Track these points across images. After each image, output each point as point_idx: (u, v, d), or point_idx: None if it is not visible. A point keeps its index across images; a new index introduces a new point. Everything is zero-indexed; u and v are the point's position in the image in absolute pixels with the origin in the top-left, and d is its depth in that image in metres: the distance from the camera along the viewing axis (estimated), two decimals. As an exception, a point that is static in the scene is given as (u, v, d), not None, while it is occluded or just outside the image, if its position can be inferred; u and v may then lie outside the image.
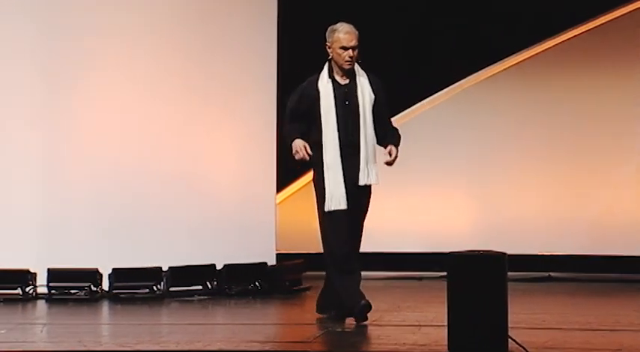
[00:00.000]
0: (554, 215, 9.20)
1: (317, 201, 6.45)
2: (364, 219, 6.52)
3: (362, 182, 6.38)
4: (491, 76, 9.41)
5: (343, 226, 6.36)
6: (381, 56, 9.33)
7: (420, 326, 6.13)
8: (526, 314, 6.48)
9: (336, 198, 6.34)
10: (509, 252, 5.26)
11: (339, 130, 6.32)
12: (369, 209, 6.55)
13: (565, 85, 9.30)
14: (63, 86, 7.86)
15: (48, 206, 7.80)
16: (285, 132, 6.47)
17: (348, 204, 6.33)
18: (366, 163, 6.37)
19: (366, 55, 9.26)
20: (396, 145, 6.47)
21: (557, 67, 9.29)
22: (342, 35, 6.35)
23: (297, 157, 6.34)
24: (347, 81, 6.41)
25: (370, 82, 6.47)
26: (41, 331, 6.24)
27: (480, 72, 9.39)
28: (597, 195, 9.19)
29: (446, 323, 5.14)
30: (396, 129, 6.59)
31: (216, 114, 8.15)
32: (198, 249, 7.97)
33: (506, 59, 9.34)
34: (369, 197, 6.50)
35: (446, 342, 5.13)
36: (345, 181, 6.33)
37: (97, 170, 7.85)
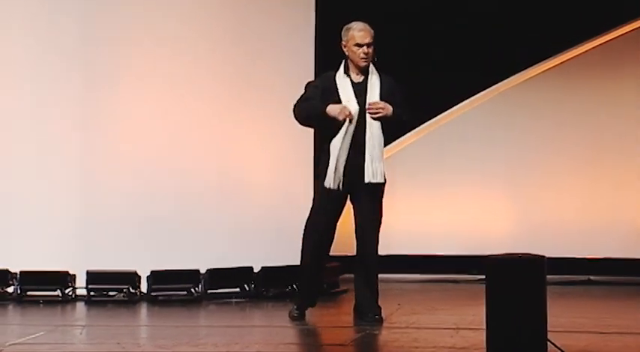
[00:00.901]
0: (593, 217, 9.13)
1: (314, 185, 6.51)
2: (375, 221, 6.51)
3: (367, 179, 6.38)
4: (531, 78, 9.36)
5: (330, 212, 6.42)
6: (422, 56, 9.34)
7: (458, 329, 6.10)
8: (565, 318, 6.43)
9: (330, 177, 6.36)
10: (548, 254, 5.23)
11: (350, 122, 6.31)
12: (383, 212, 6.55)
13: (606, 87, 9.23)
14: (103, 89, 7.91)
15: (87, 208, 7.85)
16: (304, 108, 6.41)
17: (342, 189, 6.36)
18: (371, 161, 6.39)
19: (406, 54, 9.29)
20: (394, 111, 6.37)
21: (598, 69, 9.23)
22: (357, 33, 6.45)
23: (341, 117, 6.27)
24: (361, 79, 6.46)
25: (382, 81, 6.48)
26: (80, 333, 6.28)
27: (520, 73, 9.34)
28: (638, 197, 9.11)
29: (484, 327, 5.12)
30: (407, 113, 6.51)
31: (254, 116, 8.16)
32: (235, 251, 7.98)
33: (546, 60, 9.29)
34: (379, 198, 6.48)
35: (484, 345, 5.10)
36: (346, 172, 6.33)
37: (135, 173, 7.89)
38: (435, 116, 9.46)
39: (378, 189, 6.48)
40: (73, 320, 6.97)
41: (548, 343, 5.09)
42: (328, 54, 8.43)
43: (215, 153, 8.01)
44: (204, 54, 8.02)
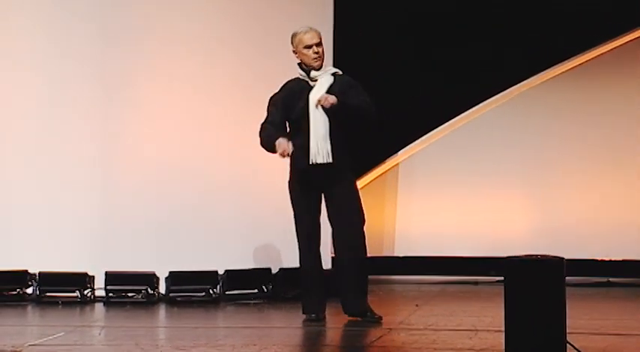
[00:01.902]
0: (613, 219, 9.08)
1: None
2: (345, 205, 6.60)
3: (312, 160, 6.46)
4: (549, 79, 9.32)
5: (304, 215, 6.58)
6: (439, 57, 9.32)
7: (477, 330, 6.09)
8: (584, 320, 6.41)
9: (292, 181, 6.60)
10: (567, 256, 5.21)
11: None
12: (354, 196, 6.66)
13: (624, 88, 9.18)
14: (121, 91, 7.94)
15: (105, 210, 7.88)
16: (264, 141, 6.63)
17: (302, 187, 6.52)
18: (316, 143, 6.47)
19: (424, 54, 9.27)
20: (345, 101, 6.47)
21: (616, 70, 9.18)
22: (304, 36, 6.63)
23: (282, 156, 6.50)
24: (314, 82, 6.61)
25: (335, 80, 6.61)
26: (99, 334, 6.30)
27: (538, 74, 9.31)
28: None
29: (503, 328, 5.10)
30: (363, 102, 6.57)
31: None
32: (253, 252, 7.99)
33: (564, 62, 9.25)
34: (341, 182, 6.58)
35: (503, 347, 5.09)
36: (298, 165, 6.51)
37: (153, 174, 7.91)
38: (452, 118, 9.44)
39: (338, 173, 6.54)
40: (91, 321, 6.99)
41: (568, 345, 5.07)
42: (345, 53, 8.45)
43: (233, 153, 8.02)
44: (219, 55, 8.03)
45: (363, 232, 6.64)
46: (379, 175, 9.50)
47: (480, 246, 9.18)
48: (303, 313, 6.68)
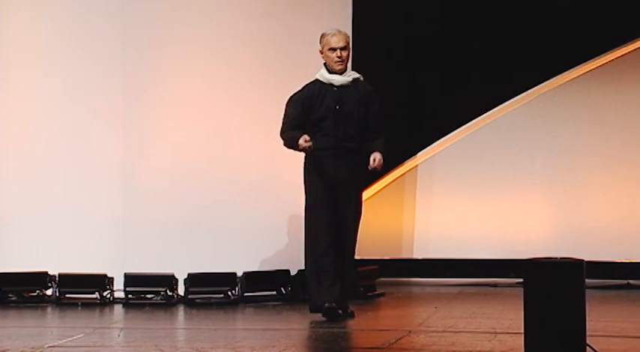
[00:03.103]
0: (633, 221, 9.04)
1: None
2: (351, 219, 6.89)
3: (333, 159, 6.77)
4: (571, 80, 9.28)
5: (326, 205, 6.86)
6: (460, 57, 9.30)
7: (496, 333, 6.07)
8: (604, 322, 6.38)
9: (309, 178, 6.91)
10: (587, 258, 5.19)
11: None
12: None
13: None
14: (142, 92, 7.95)
15: (125, 212, 7.89)
16: (287, 141, 6.88)
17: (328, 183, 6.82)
18: (339, 143, 6.77)
19: (444, 55, 9.25)
20: (380, 150, 6.81)
21: (639, 70, 9.14)
22: (331, 38, 6.79)
23: (305, 150, 6.74)
24: (340, 83, 6.81)
25: (359, 89, 6.85)
26: (118, 335, 6.31)
27: (559, 75, 9.27)
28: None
29: (522, 331, 5.08)
30: (383, 135, 6.90)
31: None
32: (272, 254, 7.99)
33: (586, 62, 9.22)
34: (357, 195, 6.91)
35: (522, 350, 5.07)
36: (329, 169, 6.79)
37: (173, 176, 7.92)
38: (473, 119, 9.42)
39: (356, 188, 6.83)
40: (111, 322, 7.01)
41: (587, 347, 5.04)
42: (364, 53, 8.45)
43: (253, 155, 8.02)
44: (240, 56, 8.03)
45: (356, 237, 6.90)
46: (398, 177, 9.48)
47: (500, 248, 9.15)
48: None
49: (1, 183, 7.98)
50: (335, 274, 6.75)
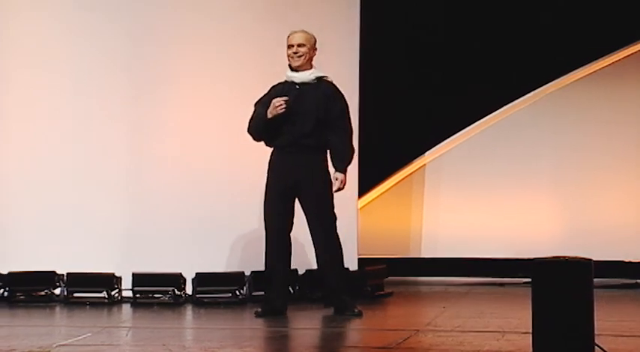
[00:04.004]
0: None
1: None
2: (317, 205, 6.90)
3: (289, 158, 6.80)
4: (580, 79, 9.28)
5: (279, 209, 6.99)
6: (468, 56, 9.30)
7: (504, 332, 6.06)
8: (613, 322, 6.37)
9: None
10: (595, 258, 5.18)
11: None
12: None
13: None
14: (149, 92, 7.97)
15: (132, 211, 7.91)
16: (252, 124, 6.91)
17: (287, 186, 6.86)
18: (295, 141, 6.78)
19: (453, 53, 9.25)
20: (341, 170, 6.82)
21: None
22: (290, 36, 6.89)
23: (280, 110, 6.72)
24: (302, 79, 6.85)
25: (321, 88, 6.83)
26: (126, 334, 6.31)
27: (568, 74, 9.27)
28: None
29: (530, 330, 5.08)
30: (344, 135, 6.85)
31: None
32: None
33: (595, 61, 9.21)
34: (315, 181, 6.85)
35: (530, 349, 5.06)
36: (287, 171, 6.80)
37: (181, 175, 7.94)
38: (480, 119, 9.41)
39: (319, 186, 6.75)
40: (119, 321, 7.01)
41: (596, 347, 5.04)
42: (372, 52, 8.46)
43: (261, 154, 8.01)
44: (250, 55, 8.04)
45: (335, 232, 6.86)
46: (406, 176, 9.49)
47: (507, 248, 9.15)
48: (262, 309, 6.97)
49: (7, 183, 7.99)
50: (282, 281, 6.87)
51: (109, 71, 7.96)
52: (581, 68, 9.25)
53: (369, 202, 9.48)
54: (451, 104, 9.32)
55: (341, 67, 8.30)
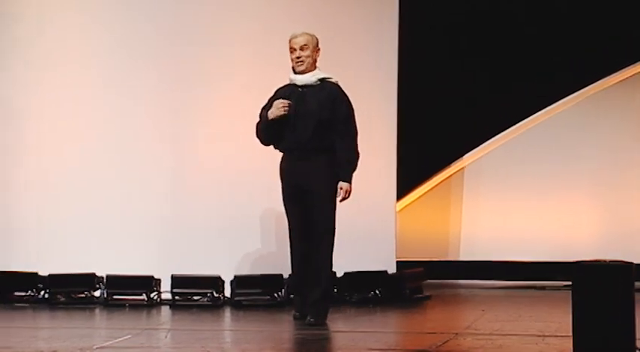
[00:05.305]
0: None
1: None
2: (322, 230, 6.70)
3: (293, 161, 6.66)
4: (622, 80, 9.20)
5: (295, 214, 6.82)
6: (508, 59, 9.26)
7: (544, 336, 6.02)
8: (654, 326, 6.30)
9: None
10: (636, 261, 5.14)
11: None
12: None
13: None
14: (189, 92, 8.01)
15: (172, 214, 7.94)
16: (259, 128, 6.78)
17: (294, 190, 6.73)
18: (298, 144, 6.62)
19: (494, 56, 9.21)
20: (345, 179, 6.59)
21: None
22: (291, 39, 6.70)
23: (282, 112, 6.60)
24: (306, 82, 6.68)
25: (324, 90, 6.66)
26: (166, 336, 6.34)
27: (609, 76, 9.20)
28: None
29: (570, 334, 5.04)
30: (347, 139, 6.64)
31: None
32: (318, 256, 7.98)
33: (638, 63, 9.13)
34: (319, 186, 6.64)
35: (570, 353, 5.04)
36: (292, 173, 6.65)
37: (220, 177, 7.95)
38: (520, 121, 9.37)
39: (320, 193, 6.58)
40: (158, 323, 7.04)
41: (637, 351, 4.99)
42: (411, 55, 8.43)
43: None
44: (281, 56, 8.03)
45: (330, 247, 6.66)
46: (445, 179, 9.46)
47: (547, 251, 9.10)
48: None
49: (49, 186, 8.05)
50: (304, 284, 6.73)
51: (150, 74, 7.99)
52: (625, 69, 9.17)
53: (407, 205, 9.46)
54: (491, 106, 9.28)
55: (380, 67, 8.30)
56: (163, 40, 7.99)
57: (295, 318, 6.84)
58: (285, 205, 6.76)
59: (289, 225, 6.75)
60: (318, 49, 6.76)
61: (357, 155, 6.67)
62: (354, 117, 6.72)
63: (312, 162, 6.59)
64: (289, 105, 6.60)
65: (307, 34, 6.72)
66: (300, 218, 6.68)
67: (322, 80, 6.72)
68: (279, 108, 6.61)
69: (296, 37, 6.70)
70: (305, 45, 6.67)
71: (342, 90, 6.73)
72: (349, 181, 6.59)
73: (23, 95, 8.12)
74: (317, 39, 6.76)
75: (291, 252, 6.77)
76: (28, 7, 8.14)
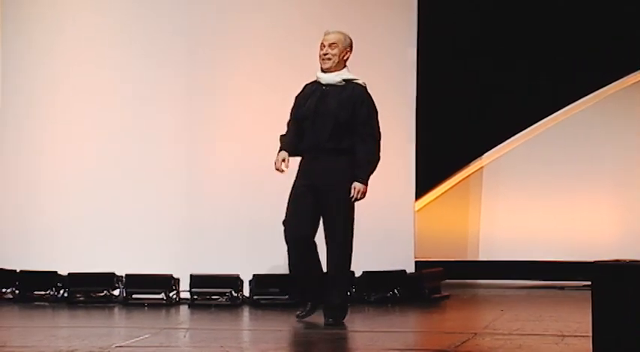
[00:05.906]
0: None
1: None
2: (337, 235, 6.64)
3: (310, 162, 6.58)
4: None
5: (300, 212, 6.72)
6: (526, 58, 9.23)
7: (563, 336, 6.00)
8: (674, 326, 6.26)
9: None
10: (657, 261, 5.11)
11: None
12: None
13: None
14: (206, 96, 8.00)
15: (191, 213, 7.94)
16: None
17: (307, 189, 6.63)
18: (317, 145, 6.55)
19: (518, 54, 9.18)
20: (360, 179, 6.46)
21: None
22: (324, 36, 6.65)
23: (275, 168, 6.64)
24: (330, 81, 6.62)
25: (346, 89, 6.59)
26: (184, 336, 6.35)
27: (629, 75, 9.15)
28: None
29: (590, 334, 5.02)
30: (369, 141, 6.55)
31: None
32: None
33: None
34: (337, 188, 6.54)
35: (590, 353, 5.01)
36: (309, 175, 6.55)
37: (238, 177, 7.96)
38: (539, 120, 9.33)
39: (337, 195, 6.48)
40: (177, 323, 7.05)
41: (657, 352, 4.97)
42: (431, 56, 8.41)
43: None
44: (303, 58, 8.02)
45: (348, 248, 6.60)
46: (463, 178, 9.44)
47: (567, 250, 9.06)
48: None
49: (68, 184, 8.07)
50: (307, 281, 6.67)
51: (169, 76, 7.98)
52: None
53: (426, 204, 9.44)
54: (509, 106, 9.25)
55: (398, 66, 8.28)
56: (181, 41, 7.99)
57: (299, 317, 6.71)
58: (289, 200, 6.63)
59: (285, 224, 6.62)
60: (350, 50, 6.66)
61: (377, 158, 6.57)
62: (377, 120, 6.61)
63: (329, 163, 6.51)
64: (282, 171, 6.58)
65: (340, 32, 6.67)
66: (307, 204, 6.53)
67: (347, 81, 6.63)
68: (276, 166, 6.59)
69: (328, 34, 6.66)
70: (334, 43, 6.61)
71: (367, 93, 6.62)
72: (365, 182, 6.48)
73: (45, 95, 8.15)
74: (350, 40, 6.67)
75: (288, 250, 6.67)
76: (47, 8, 8.16)
